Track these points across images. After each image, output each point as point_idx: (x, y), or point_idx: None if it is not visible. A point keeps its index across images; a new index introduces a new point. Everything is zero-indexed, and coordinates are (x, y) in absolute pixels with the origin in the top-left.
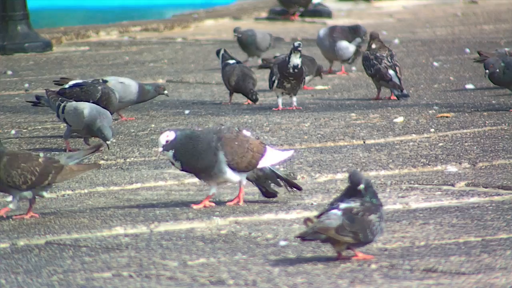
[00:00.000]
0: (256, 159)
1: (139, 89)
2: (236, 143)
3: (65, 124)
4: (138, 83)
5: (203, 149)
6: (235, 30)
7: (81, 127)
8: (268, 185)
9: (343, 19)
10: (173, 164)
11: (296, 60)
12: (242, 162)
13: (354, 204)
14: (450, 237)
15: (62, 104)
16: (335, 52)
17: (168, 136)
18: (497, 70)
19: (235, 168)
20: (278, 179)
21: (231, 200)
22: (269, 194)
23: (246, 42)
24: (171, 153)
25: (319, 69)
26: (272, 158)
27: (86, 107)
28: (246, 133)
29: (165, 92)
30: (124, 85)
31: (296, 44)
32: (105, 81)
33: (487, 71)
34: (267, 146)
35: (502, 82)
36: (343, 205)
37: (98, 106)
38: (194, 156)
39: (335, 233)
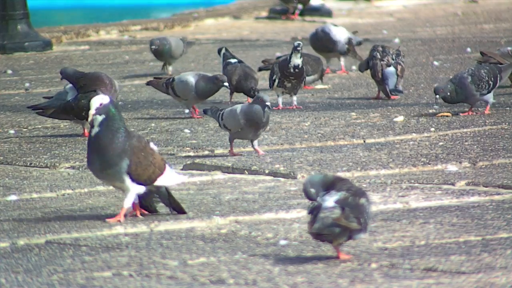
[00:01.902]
0: (155, 175)
1: (196, 85)
2: (143, 154)
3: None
4: (196, 79)
5: (114, 140)
6: (152, 43)
7: (240, 127)
8: (153, 201)
9: (344, 18)
10: (92, 127)
11: (296, 60)
12: (143, 175)
13: (342, 193)
14: (450, 236)
15: (221, 112)
16: (333, 44)
17: (103, 99)
18: (448, 94)
19: (135, 179)
20: (168, 200)
21: (113, 217)
22: (149, 210)
23: (162, 52)
24: (101, 118)
25: (323, 71)
26: (169, 179)
27: (237, 107)
28: (153, 146)
29: (225, 84)
30: (183, 83)
31: (295, 44)
32: (173, 80)
33: (437, 96)
34: (167, 165)
35: (457, 101)
36: (332, 197)
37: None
38: (105, 138)
39: (345, 220)
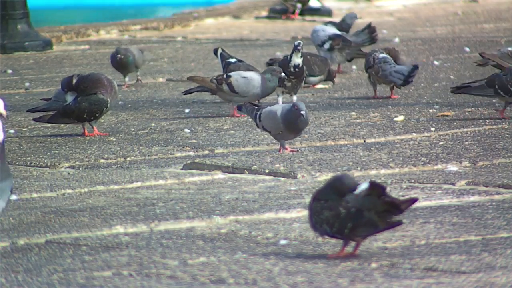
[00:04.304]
0: None
1: (262, 82)
2: None
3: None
4: (261, 75)
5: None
6: (118, 52)
7: (280, 130)
8: None
9: None
10: None
11: (297, 59)
12: None
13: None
14: (450, 236)
15: (258, 113)
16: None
17: None
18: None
19: None
20: None
21: None
22: None
23: (126, 63)
24: None
25: (331, 72)
26: None
27: (277, 110)
28: None
29: (282, 74)
30: (246, 79)
31: (296, 43)
32: (228, 76)
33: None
34: None
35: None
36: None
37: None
38: None
39: None
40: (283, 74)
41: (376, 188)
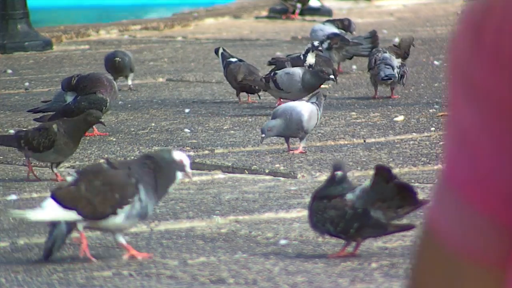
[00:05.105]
0: None
1: (302, 77)
2: None
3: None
4: (304, 71)
5: None
6: (116, 55)
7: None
8: None
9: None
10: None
11: (312, 59)
12: None
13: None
14: None
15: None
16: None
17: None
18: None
19: None
20: None
21: None
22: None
23: (124, 65)
24: None
25: (334, 71)
26: None
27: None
28: None
29: (331, 76)
30: (289, 75)
31: (316, 44)
32: (275, 74)
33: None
34: None
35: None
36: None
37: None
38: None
39: None
40: (332, 76)
41: (382, 171)
